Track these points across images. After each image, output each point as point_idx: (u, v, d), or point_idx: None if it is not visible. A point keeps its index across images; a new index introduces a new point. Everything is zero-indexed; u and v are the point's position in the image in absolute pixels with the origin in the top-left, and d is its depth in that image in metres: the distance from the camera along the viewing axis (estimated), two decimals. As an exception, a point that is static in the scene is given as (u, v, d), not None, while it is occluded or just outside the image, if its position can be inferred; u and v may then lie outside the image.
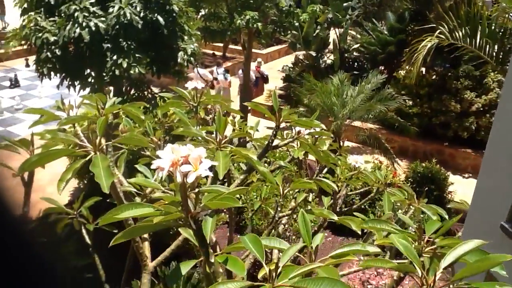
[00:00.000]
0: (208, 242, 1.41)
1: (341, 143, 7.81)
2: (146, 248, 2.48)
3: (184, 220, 1.31)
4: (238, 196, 5.73)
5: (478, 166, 10.56)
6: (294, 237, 6.12)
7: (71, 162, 2.83)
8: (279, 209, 2.12)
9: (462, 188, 8.49)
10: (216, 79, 12.71)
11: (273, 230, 2.65)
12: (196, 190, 1.43)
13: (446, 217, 2.90)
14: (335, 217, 2.02)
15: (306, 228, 1.60)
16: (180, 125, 2.78)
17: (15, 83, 14.29)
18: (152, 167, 1.25)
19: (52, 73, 5.80)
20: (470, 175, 10.09)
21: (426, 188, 7.22)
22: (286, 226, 2.92)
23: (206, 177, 1.29)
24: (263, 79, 13.75)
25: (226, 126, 2.12)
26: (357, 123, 10.11)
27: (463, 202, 3.00)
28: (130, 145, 2.77)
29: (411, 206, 2.90)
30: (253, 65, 12.64)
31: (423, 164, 7.51)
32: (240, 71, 12.11)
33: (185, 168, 1.21)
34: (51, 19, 5.45)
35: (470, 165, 10.24)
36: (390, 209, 2.81)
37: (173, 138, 4.35)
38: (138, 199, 2.70)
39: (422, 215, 5.13)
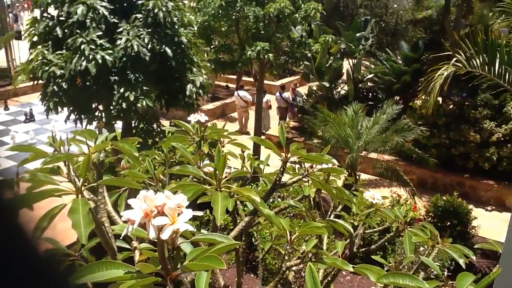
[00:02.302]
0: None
1: (357, 177, 7.51)
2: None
3: (163, 283, 1.07)
4: (250, 231, 5.42)
5: (501, 198, 10.13)
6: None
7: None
8: (286, 257, 1.86)
9: (485, 222, 8.08)
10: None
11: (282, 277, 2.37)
12: (181, 242, 1.19)
13: (474, 257, 2.64)
14: (350, 268, 1.75)
15: (315, 286, 1.35)
16: (185, 160, 2.58)
17: (30, 118, 14.33)
18: (122, 219, 1.02)
19: (59, 107, 5.67)
20: (493, 207, 9.67)
21: (449, 223, 6.84)
22: (298, 271, 2.65)
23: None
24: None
25: (225, 163, 1.89)
26: (373, 155, 9.82)
27: (493, 243, 2.71)
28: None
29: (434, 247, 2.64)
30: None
31: (444, 198, 7.15)
32: (278, 94, 13.80)
33: (160, 221, 0.98)
34: (58, 52, 5.36)
35: (492, 197, 9.83)
36: (412, 252, 2.54)
37: (175, 176, 4.09)
38: (135, 243, 2.47)
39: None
